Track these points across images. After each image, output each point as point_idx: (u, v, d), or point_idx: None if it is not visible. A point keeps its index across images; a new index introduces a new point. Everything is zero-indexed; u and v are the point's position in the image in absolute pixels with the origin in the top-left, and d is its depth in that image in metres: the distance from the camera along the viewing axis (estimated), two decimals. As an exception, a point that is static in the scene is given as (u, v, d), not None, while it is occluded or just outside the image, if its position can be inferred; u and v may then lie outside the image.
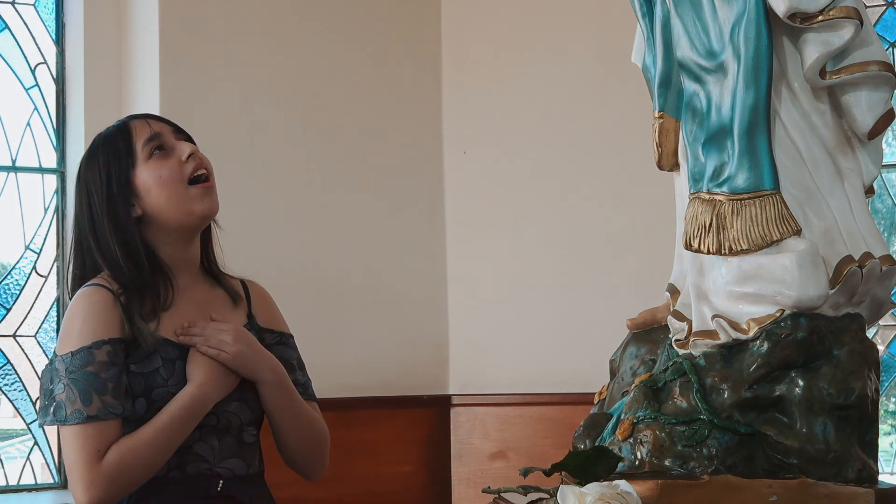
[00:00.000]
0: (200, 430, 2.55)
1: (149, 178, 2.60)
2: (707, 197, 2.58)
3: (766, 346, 2.51)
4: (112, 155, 2.63)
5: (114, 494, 2.50)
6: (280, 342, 2.74)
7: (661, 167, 2.78)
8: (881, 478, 2.57)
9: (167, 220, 2.61)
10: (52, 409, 2.52)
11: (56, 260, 4.50)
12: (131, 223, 2.60)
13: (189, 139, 2.67)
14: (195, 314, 2.64)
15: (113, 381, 2.50)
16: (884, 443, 4.37)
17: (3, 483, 4.38)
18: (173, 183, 2.60)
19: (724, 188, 2.56)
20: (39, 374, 2.68)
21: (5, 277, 4.44)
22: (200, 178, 2.63)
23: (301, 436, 2.70)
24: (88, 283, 2.60)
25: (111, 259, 2.59)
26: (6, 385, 4.39)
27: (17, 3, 4.54)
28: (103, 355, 2.50)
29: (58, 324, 4.41)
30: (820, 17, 2.52)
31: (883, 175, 4.48)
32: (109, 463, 2.49)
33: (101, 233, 2.61)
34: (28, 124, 4.53)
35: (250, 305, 2.74)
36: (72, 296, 2.63)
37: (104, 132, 2.69)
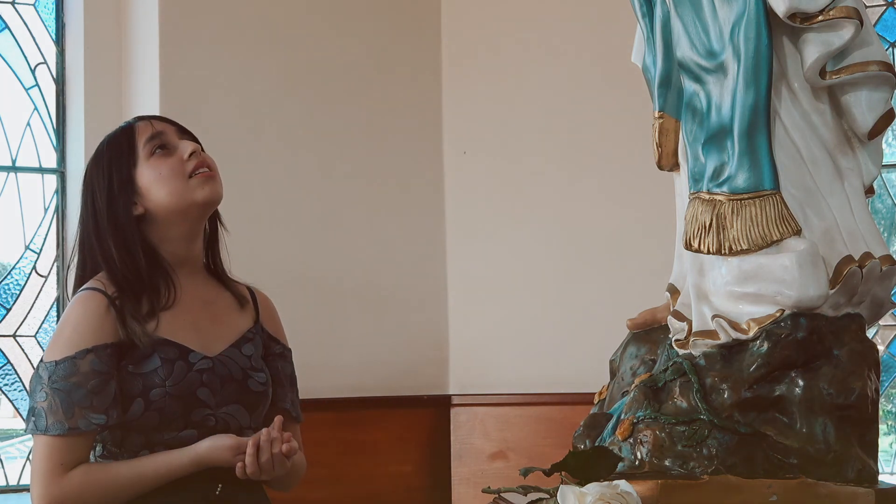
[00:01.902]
0: (199, 431, 2.55)
1: (150, 175, 2.61)
2: (707, 197, 2.58)
3: (766, 346, 2.51)
4: (115, 155, 2.64)
5: None
6: (282, 355, 2.75)
7: (661, 167, 2.78)
8: (881, 478, 2.57)
9: (169, 215, 2.61)
10: (32, 416, 2.52)
11: (56, 260, 4.50)
12: (132, 222, 2.60)
13: (193, 139, 2.68)
14: (200, 312, 2.64)
15: (96, 392, 2.50)
16: (884, 443, 4.37)
17: (3, 483, 4.38)
18: (174, 179, 2.60)
19: (724, 188, 2.56)
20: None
21: (5, 277, 4.44)
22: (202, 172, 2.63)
23: (285, 483, 2.73)
24: (85, 286, 2.60)
25: (109, 258, 2.60)
26: (6, 385, 4.39)
27: (17, 3, 4.54)
28: (87, 365, 2.50)
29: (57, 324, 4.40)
30: (820, 17, 2.52)
31: (883, 175, 4.48)
32: (73, 483, 2.50)
33: (102, 232, 2.61)
34: (28, 124, 4.53)
35: (257, 311, 2.74)
36: (72, 295, 2.64)
37: (110, 133, 2.70)
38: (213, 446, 2.51)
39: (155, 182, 2.60)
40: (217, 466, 2.52)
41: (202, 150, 2.67)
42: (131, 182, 2.61)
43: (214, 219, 2.72)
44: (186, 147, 2.63)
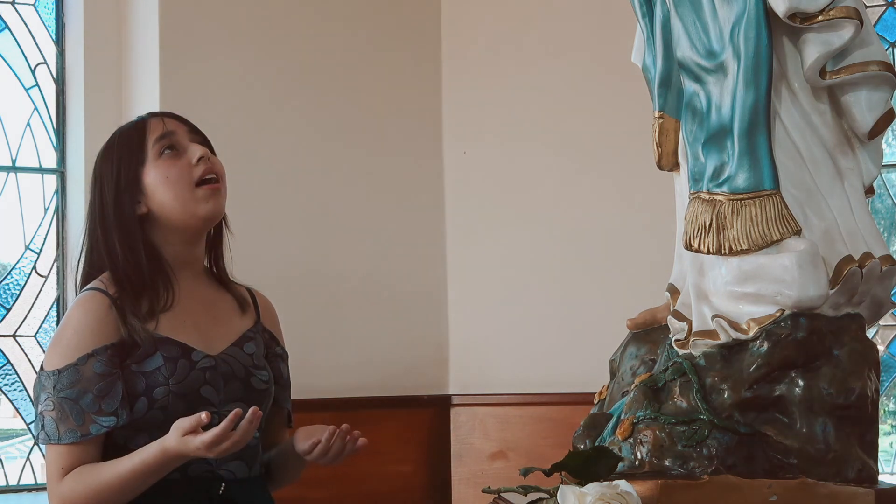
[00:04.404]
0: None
1: (157, 177, 2.61)
2: (707, 197, 2.58)
3: (766, 346, 2.51)
4: (125, 150, 2.64)
5: None
6: (281, 357, 2.76)
7: (661, 167, 2.78)
8: (881, 478, 2.57)
9: (171, 220, 2.61)
10: (42, 426, 2.52)
11: (56, 260, 4.49)
12: (135, 220, 2.61)
13: (204, 141, 2.68)
14: (201, 314, 2.64)
15: (103, 395, 2.50)
16: (884, 443, 4.37)
17: (3, 483, 4.38)
18: (180, 184, 2.60)
19: (724, 188, 2.56)
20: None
21: (5, 277, 4.44)
22: (210, 182, 2.63)
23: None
24: (88, 286, 2.60)
25: (113, 254, 2.60)
26: (6, 385, 4.39)
27: (17, 3, 4.54)
28: (89, 370, 2.50)
29: (58, 324, 4.40)
30: (820, 17, 2.52)
31: (883, 175, 4.48)
32: (65, 486, 2.52)
33: (107, 226, 2.62)
34: (28, 124, 4.53)
35: (258, 312, 2.75)
36: (79, 289, 2.63)
37: (123, 126, 2.70)
38: (172, 430, 2.46)
39: (161, 184, 2.60)
40: (184, 455, 2.47)
41: (212, 152, 2.67)
42: (138, 180, 2.61)
43: (220, 221, 2.72)
44: (195, 151, 2.63)
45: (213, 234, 2.72)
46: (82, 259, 2.67)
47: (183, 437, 2.42)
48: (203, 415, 2.41)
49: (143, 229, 2.62)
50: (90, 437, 2.50)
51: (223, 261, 2.74)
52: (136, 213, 2.61)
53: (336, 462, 2.58)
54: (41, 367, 2.57)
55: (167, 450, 2.45)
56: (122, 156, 2.63)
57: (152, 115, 2.70)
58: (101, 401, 2.49)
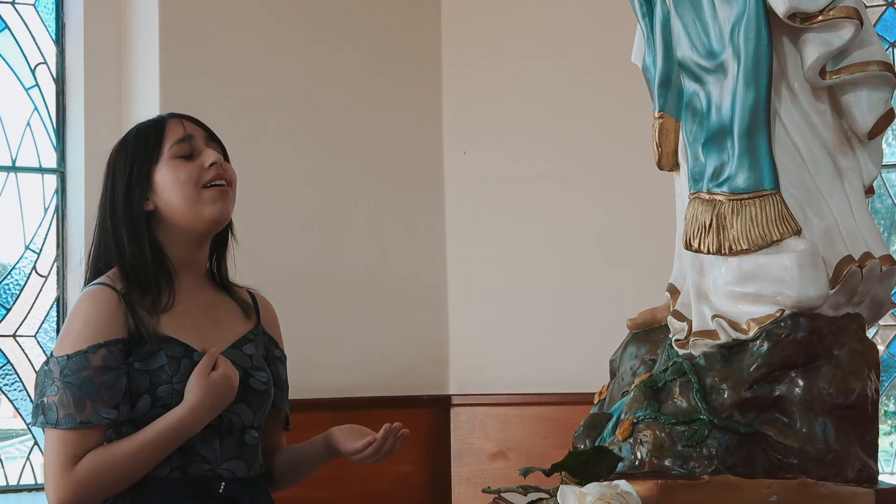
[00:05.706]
0: (203, 431, 2.55)
1: (167, 175, 2.62)
2: (707, 197, 2.58)
3: (766, 346, 2.50)
4: (140, 146, 2.66)
5: (83, 500, 2.51)
6: (280, 359, 2.77)
7: (661, 167, 2.77)
8: (881, 478, 2.57)
9: (177, 221, 2.62)
10: (42, 410, 2.53)
11: (56, 260, 4.50)
12: (142, 216, 2.62)
13: (220, 147, 2.69)
14: (200, 317, 2.65)
15: (108, 387, 2.50)
16: (884, 443, 4.37)
17: (3, 483, 4.39)
18: (188, 185, 2.61)
19: (724, 188, 2.56)
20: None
21: (5, 277, 4.45)
22: (218, 185, 2.64)
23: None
24: (95, 281, 2.61)
25: (120, 247, 2.62)
26: (6, 385, 4.39)
27: (17, 3, 4.54)
28: (98, 360, 2.51)
29: (58, 324, 4.41)
30: (820, 17, 2.52)
31: (883, 175, 4.48)
32: (82, 470, 2.50)
33: (116, 220, 2.63)
34: (28, 124, 4.53)
35: (258, 315, 2.75)
36: (87, 281, 2.64)
37: (142, 123, 2.72)
38: (188, 387, 2.52)
39: (170, 183, 2.62)
40: (206, 413, 2.53)
41: (227, 159, 2.69)
42: (149, 176, 2.63)
43: (226, 227, 2.72)
44: (209, 156, 2.64)
45: (218, 239, 2.73)
46: (91, 252, 2.68)
47: (199, 380, 2.51)
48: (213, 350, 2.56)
49: (150, 227, 2.63)
50: (89, 426, 2.50)
51: (226, 265, 2.75)
52: (143, 209, 2.62)
53: (380, 460, 2.63)
54: (50, 353, 2.58)
55: (190, 404, 2.51)
56: (137, 151, 2.65)
57: (172, 115, 2.72)
58: (106, 392, 2.50)
